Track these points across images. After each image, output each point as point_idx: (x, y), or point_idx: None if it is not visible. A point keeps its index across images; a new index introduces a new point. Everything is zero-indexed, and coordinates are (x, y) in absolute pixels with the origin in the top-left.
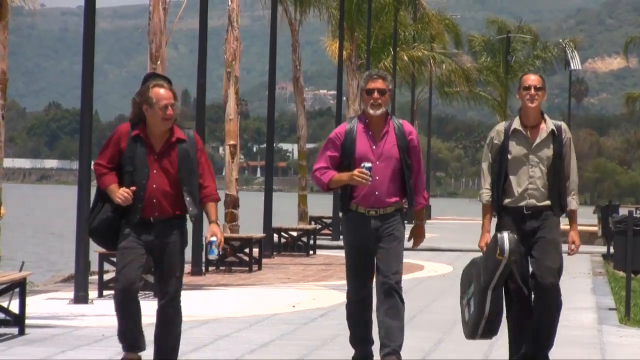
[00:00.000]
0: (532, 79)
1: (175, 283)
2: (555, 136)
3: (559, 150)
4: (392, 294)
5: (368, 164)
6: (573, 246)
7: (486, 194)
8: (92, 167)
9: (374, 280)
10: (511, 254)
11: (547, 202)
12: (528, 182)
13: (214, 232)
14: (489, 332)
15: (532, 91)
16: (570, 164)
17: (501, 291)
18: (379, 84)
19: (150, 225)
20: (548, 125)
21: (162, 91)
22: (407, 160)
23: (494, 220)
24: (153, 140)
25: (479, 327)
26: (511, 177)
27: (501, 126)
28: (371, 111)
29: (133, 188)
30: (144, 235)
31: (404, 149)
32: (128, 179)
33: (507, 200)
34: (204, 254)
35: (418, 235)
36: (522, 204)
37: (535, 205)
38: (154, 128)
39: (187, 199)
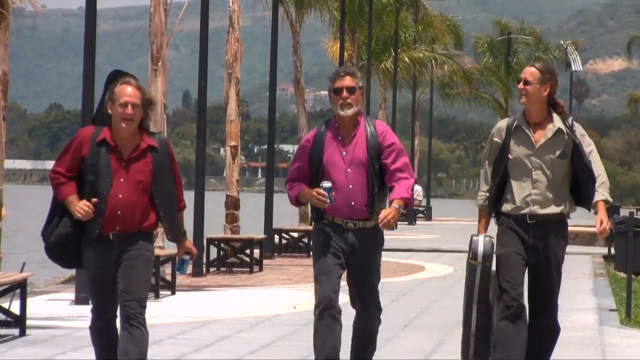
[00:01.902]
0: (525, 71)
1: (142, 298)
2: (565, 134)
3: (572, 149)
4: (366, 315)
5: (327, 184)
6: (601, 227)
7: (481, 197)
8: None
9: (350, 300)
10: (485, 259)
11: (554, 210)
12: (531, 187)
13: (188, 250)
14: (482, 351)
15: (521, 85)
16: (591, 160)
17: (489, 306)
18: (347, 81)
19: (110, 242)
20: (555, 123)
21: (128, 89)
22: (375, 165)
23: (492, 227)
24: (121, 145)
25: (469, 345)
26: (512, 181)
27: (503, 123)
28: (341, 112)
29: (95, 200)
30: (107, 254)
31: (374, 153)
32: (89, 189)
33: (508, 208)
34: (175, 269)
35: (389, 214)
36: (525, 211)
37: (540, 214)
38: (118, 131)
39: (161, 213)
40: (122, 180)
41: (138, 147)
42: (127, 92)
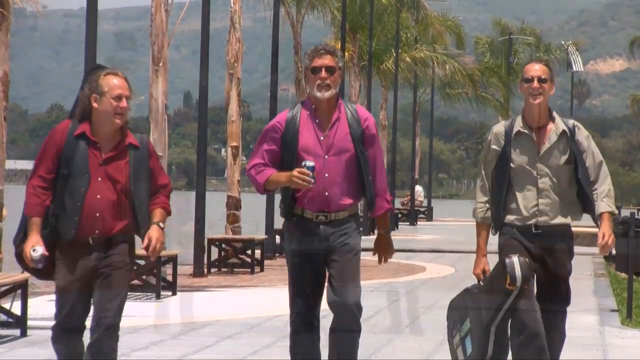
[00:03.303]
0: (535, 69)
1: (117, 312)
2: (568, 138)
3: (577, 153)
4: (348, 316)
5: (310, 163)
6: (603, 241)
7: (481, 209)
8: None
9: (327, 299)
10: (525, 282)
11: (562, 220)
12: (538, 197)
13: (149, 236)
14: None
15: (535, 83)
16: (596, 165)
17: (505, 325)
18: (327, 60)
19: (89, 247)
20: (558, 125)
21: (115, 80)
22: (363, 151)
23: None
24: (101, 141)
25: None
26: (516, 191)
27: (500, 127)
28: (318, 94)
29: (45, 254)
30: (83, 261)
31: (358, 139)
32: (61, 185)
33: (512, 218)
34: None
35: (384, 248)
36: (532, 222)
37: (547, 225)
38: (103, 126)
39: (138, 216)
40: (99, 179)
41: (119, 144)
42: (117, 83)
